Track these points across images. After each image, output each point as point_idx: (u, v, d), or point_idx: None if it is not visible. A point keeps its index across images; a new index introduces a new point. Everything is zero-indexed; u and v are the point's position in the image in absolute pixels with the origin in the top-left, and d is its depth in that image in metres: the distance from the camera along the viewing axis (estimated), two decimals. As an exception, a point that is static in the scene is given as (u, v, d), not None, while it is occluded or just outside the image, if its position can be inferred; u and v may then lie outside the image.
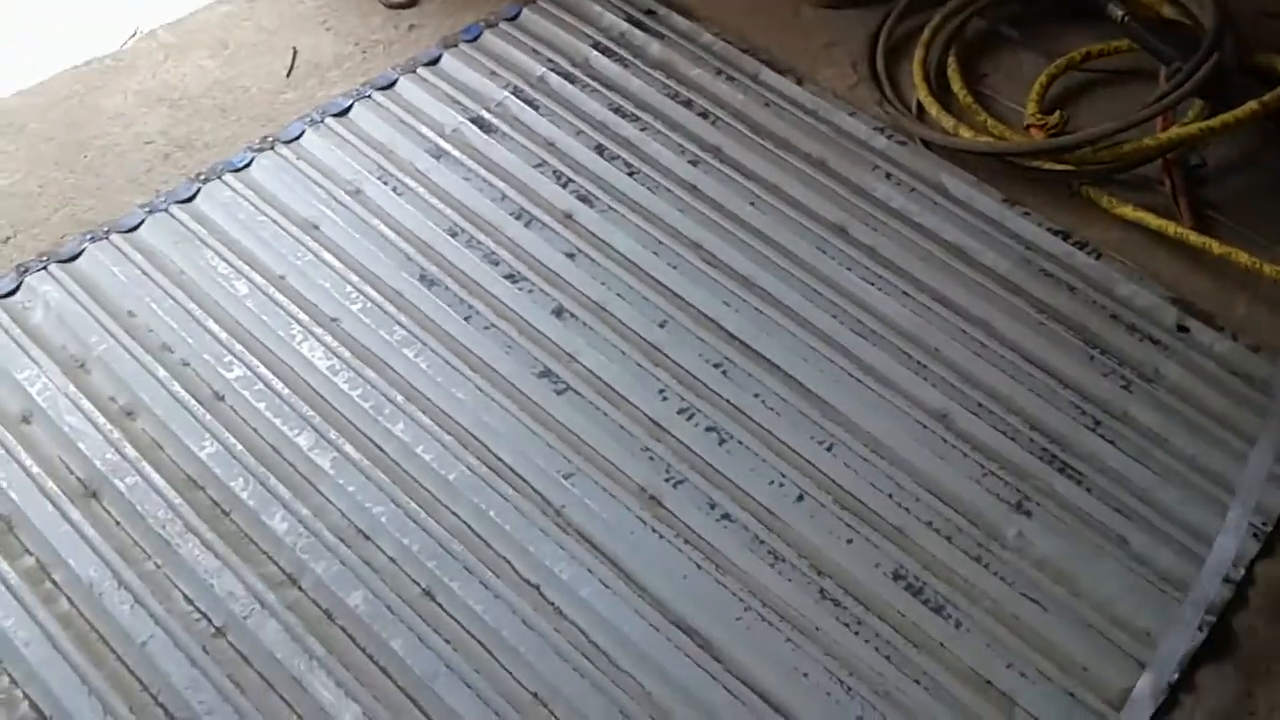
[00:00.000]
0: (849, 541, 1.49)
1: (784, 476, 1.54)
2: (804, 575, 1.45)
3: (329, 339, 1.63)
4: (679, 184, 1.88)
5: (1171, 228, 1.83)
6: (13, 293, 1.65)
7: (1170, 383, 1.68)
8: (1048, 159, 1.90)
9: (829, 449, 1.58)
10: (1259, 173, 1.93)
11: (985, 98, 2.06)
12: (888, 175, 1.93)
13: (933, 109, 2.00)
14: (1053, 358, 1.70)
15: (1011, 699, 1.37)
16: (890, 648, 1.40)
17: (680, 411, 1.60)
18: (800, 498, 1.53)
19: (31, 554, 1.41)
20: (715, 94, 2.03)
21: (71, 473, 1.49)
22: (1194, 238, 1.81)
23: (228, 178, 1.84)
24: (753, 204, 1.87)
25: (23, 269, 1.68)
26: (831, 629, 1.41)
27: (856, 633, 1.41)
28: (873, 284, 1.77)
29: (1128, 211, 1.86)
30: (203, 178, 1.84)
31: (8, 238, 1.75)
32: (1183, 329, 1.75)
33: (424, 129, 1.92)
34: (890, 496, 1.54)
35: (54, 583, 1.39)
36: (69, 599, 1.38)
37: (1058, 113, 1.98)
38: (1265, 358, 1.70)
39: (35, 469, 1.48)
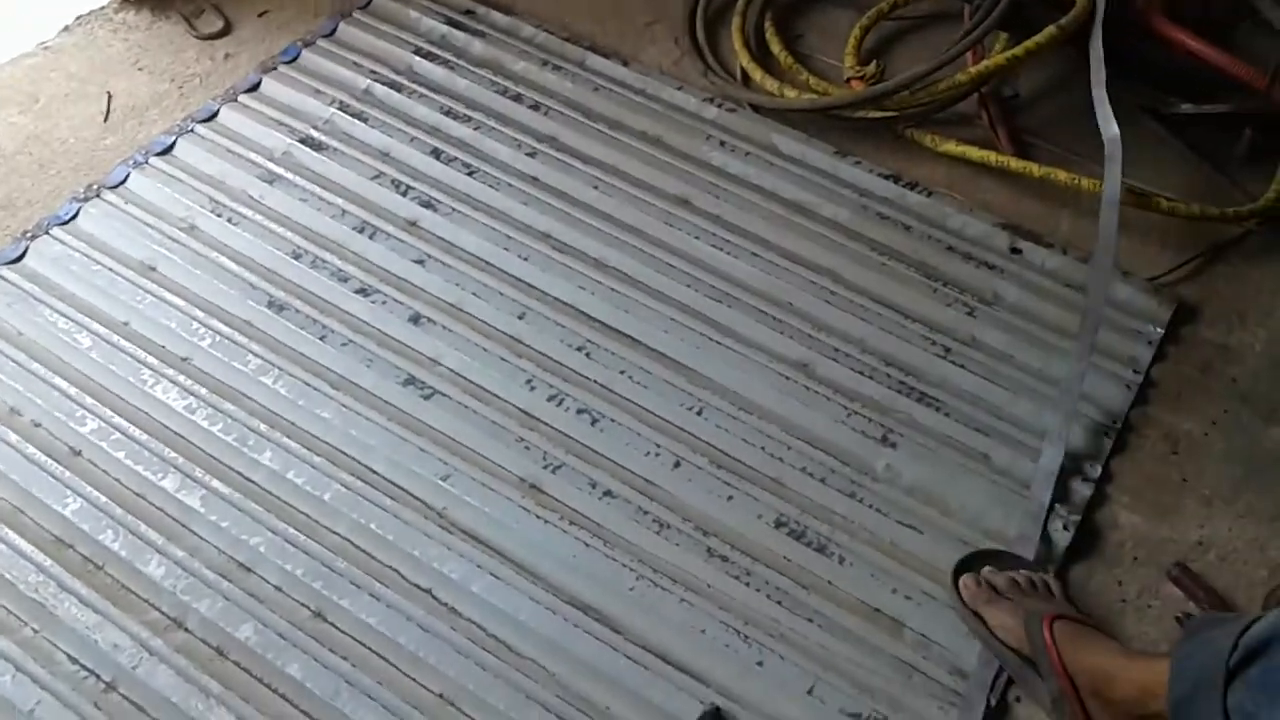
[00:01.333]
0: (729, 499, 1.53)
1: (659, 446, 1.58)
2: (690, 538, 1.49)
3: (182, 379, 1.60)
4: (520, 177, 1.90)
5: (993, 157, 1.92)
6: None
7: (1009, 303, 1.77)
8: (870, 108, 1.97)
9: (699, 413, 1.62)
10: (1068, 95, 2.03)
11: (804, 57, 2.13)
12: (722, 143, 1.98)
13: (756, 74, 2.06)
14: (898, 295, 1.77)
15: (900, 622, 1.43)
16: (781, 593, 1.45)
17: (550, 399, 1.62)
18: (677, 464, 1.56)
19: (-106, 644, 1.35)
20: (544, 85, 2.05)
21: (-73, 554, 1.43)
22: (1015, 164, 1.90)
23: (55, 231, 1.78)
24: (595, 188, 1.89)
25: None
26: (722, 584, 1.45)
27: (747, 584, 1.45)
28: (722, 249, 1.82)
29: (951, 148, 1.95)
30: (29, 235, 1.78)
31: None
32: (1015, 251, 1.84)
33: (252, 155, 1.89)
34: (763, 449, 1.58)
35: (-77, 669, 1.33)
36: (-59, 682, 1.32)
37: (874, 63, 2.06)
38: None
39: (-114, 555, 1.41)
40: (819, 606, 1.44)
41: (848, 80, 2.06)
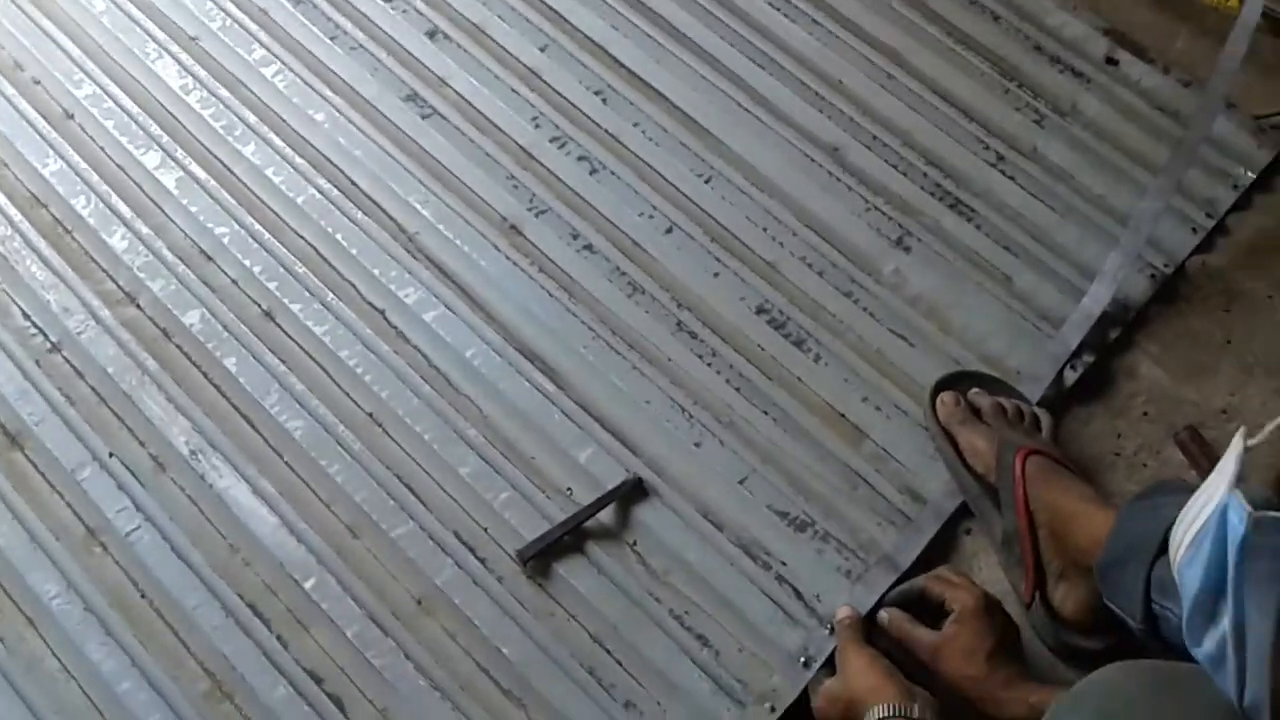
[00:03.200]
0: (715, 275, 1.43)
1: (654, 208, 1.47)
2: (663, 307, 1.40)
3: (185, 57, 1.55)
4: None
5: (1117, -50, 1.66)
6: None
7: (1087, 118, 1.56)
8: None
9: (707, 181, 1.50)
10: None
11: None
12: (809, -107, 1.75)
13: None
14: (963, 90, 1.58)
15: (863, 431, 1.33)
16: (742, 380, 1.36)
17: (553, 140, 1.52)
18: (669, 230, 1.46)
19: None
20: None
21: (-87, 190, 1.45)
22: (1141, -39, 1.64)
23: (91, -110, 1.71)
24: (656, -78, 1.71)
25: None
26: (683, 360, 1.37)
27: (709, 364, 1.37)
28: (778, 9, 1.64)
29: (1072, -67, 1.68)
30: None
31: None
32: (1111, 61, 1.61)
33: None
34: (765, 230, 1.46)
35: (-109, 297, 1.37)
36: (-94, 313, 1.36)
37: None
38: (1196, 93, 1.56)
39: (-125, 185, 1.44)
40: (779, 400, 1.35)
41: None
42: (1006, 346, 1.39)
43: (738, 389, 1.35)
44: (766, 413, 1.34)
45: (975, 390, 1.31)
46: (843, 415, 1.34)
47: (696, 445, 1.31)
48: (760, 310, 1.41)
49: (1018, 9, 1.65)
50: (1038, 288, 1.43)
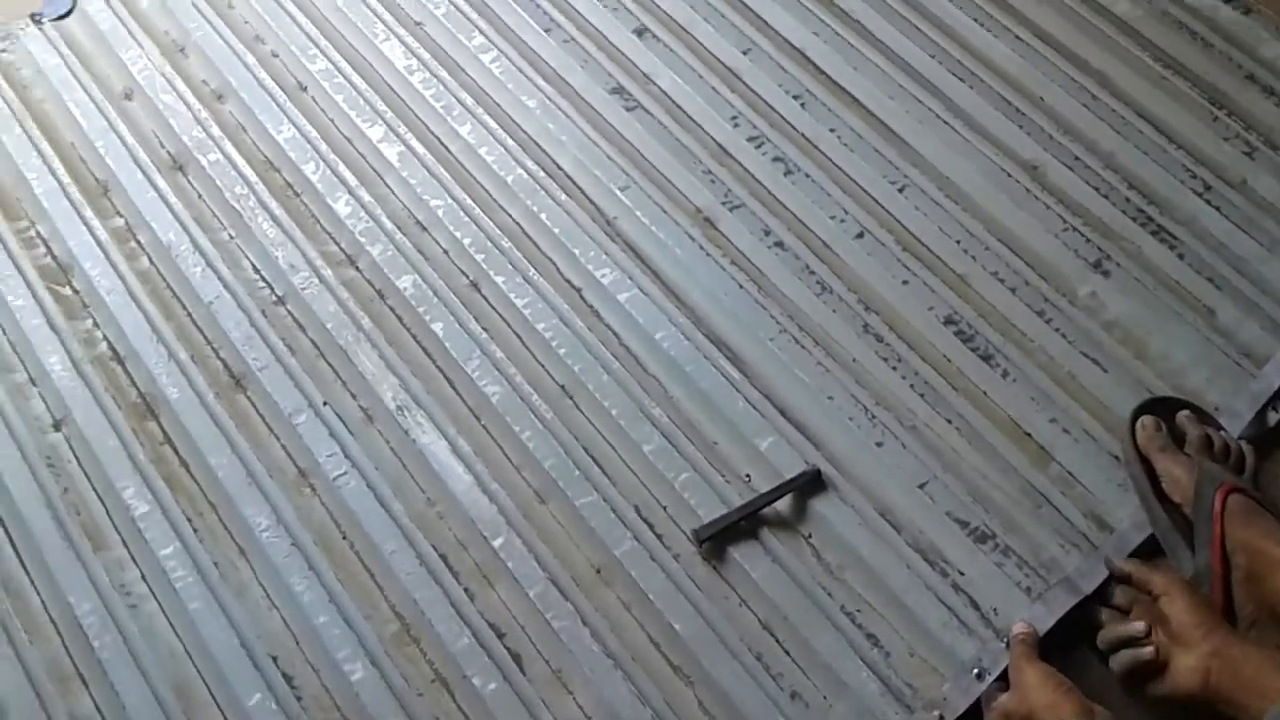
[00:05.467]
0: (904, 282, 1.44)
1: (846, 212, 1.49)
2: (850, 308, 1.42)
3: (410, 40, 1.64)
4: (789, -93, 1.76)
5: (1345, -16, 1.61)
6: (123, -23, 1.72)
7: (1302, 153, 1.51)
8: (1212, -101, 1.67)
9: (900, 190, 1.51)
10: None
11: None
12: (1023, -90, 1.75)
13: None
14: (1171, 115, 1.55)
15: (1049, 452, 1.33)
16: (927, 387, 1.37)
17: (750, 139, 1.55)
18: (860, 234, 1.48)
19: (121, 216, 1.52)
20: None
21: (163, 146, 1.57)
22: (1370, -4, 1.59)
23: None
24: (866, -66, 1.73)
25: (134, -45, 1.74)
26: (869, 361, 1.39)
27: (894, 368, 1.38)
28: (982, 24, 1.64)
29: (1296, -37, 1.64)
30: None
31: (125, -73, 1.80)
32: (1331, 96, 1.56)
33: None
34: (958, 243, 1.47)
35: (138, 242, 1.49)
36: (149, 257, 1.48)
37: None
38: None
39: (131, 140, 1.57)
40: (964, 412, 1.35)
41: None
42: (1205, 381, 1.36)
43: (922, 395, 1.36)
44: (950, 421, 1.34)
45: (1185, 414, 1.28)
46: (1029, 434, 1.34)
47: (878, 445, 1.32)
48: (948, 321, 1.41)
49: (1231, 38, 1.61)
50: (1241, 323, 1.39)
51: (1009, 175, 1.51)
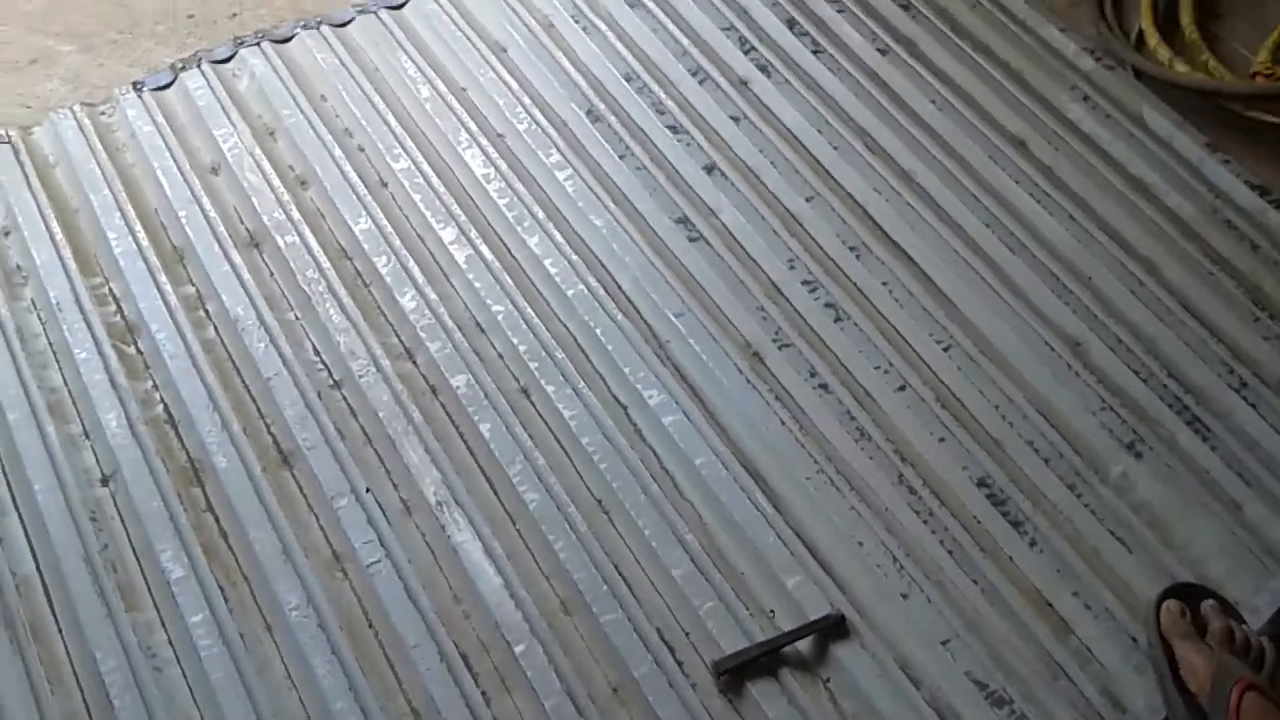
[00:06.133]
0: (941, 440, 1.48)
1: (891, 364, 1.54)
2: (886, 458, 1.45)
3: (491, 150, 1.72)
4: (862, 70, 1.85)
5: (1389, 203, 1.67)
6: (227, 60, 1.81)
7: (1339, 361, 1.56)
8: (1267, 108, 1.76)
9: (945, 349, 1.56)
10: None
11: (1214, 38, 1.92)
12: (1085, 98, 1.83)
13: (1152, 39, 1.89)
14: (1214, 311, 1.60)
15: (1070, 626, 1.34)
16: (955, 544, 1.39)
17: (804, 283, 1.61)
18: (902, 387, 1.52)
19: (193, 284, 1.58)
20: (922, -13, 1.97)
21: (242, 223, 1.64)
22: None
23: (435, -8, 1.94)
24: (933, 102, 1.82)
25: (239, 41, 1.84)
26: (900, 512, 1.41)
27: (925, 522, 1.41)
28: (1039, 202, 1.71)
29: (1343, 178, 1.71)
30: (416, -12, 1.94)
31: (235, 14, 1.92)
32: (1371, 309, 1.61)
33: (625, -24, 1.96)
34: (996, 408, 1.51)
35: (206, 312, 1.55)
36: (215, 328, 1.54)
37: (1291, 64, 1.83)
38: None
39: (212, 213, 1.64)
40: (990, 574, 1.37)
41: (1253, 75, 1.85)
42: (1226, 572, 1.38)
43: (950, 551, 1.38)
44: (976, 582, 1.36)
45: (1210, 603, 1.30)
46: (1051, 605, 1.35)
47: (903, 596, 1.34)
48: (981, 483, 1.44)
49: (1278, 240, 1.67)
50: (1267, 521, 1.41)
51: (1052, 349, 1.56)
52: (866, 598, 1.34)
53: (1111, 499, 1.44)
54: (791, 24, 1.91)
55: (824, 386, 1.51)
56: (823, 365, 1.52)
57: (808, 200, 1.69)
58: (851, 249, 1.65)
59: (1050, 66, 1.88)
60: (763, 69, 1.85)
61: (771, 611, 1.33)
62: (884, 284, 1.61)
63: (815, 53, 1.88)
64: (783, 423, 1.46)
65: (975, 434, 1.48)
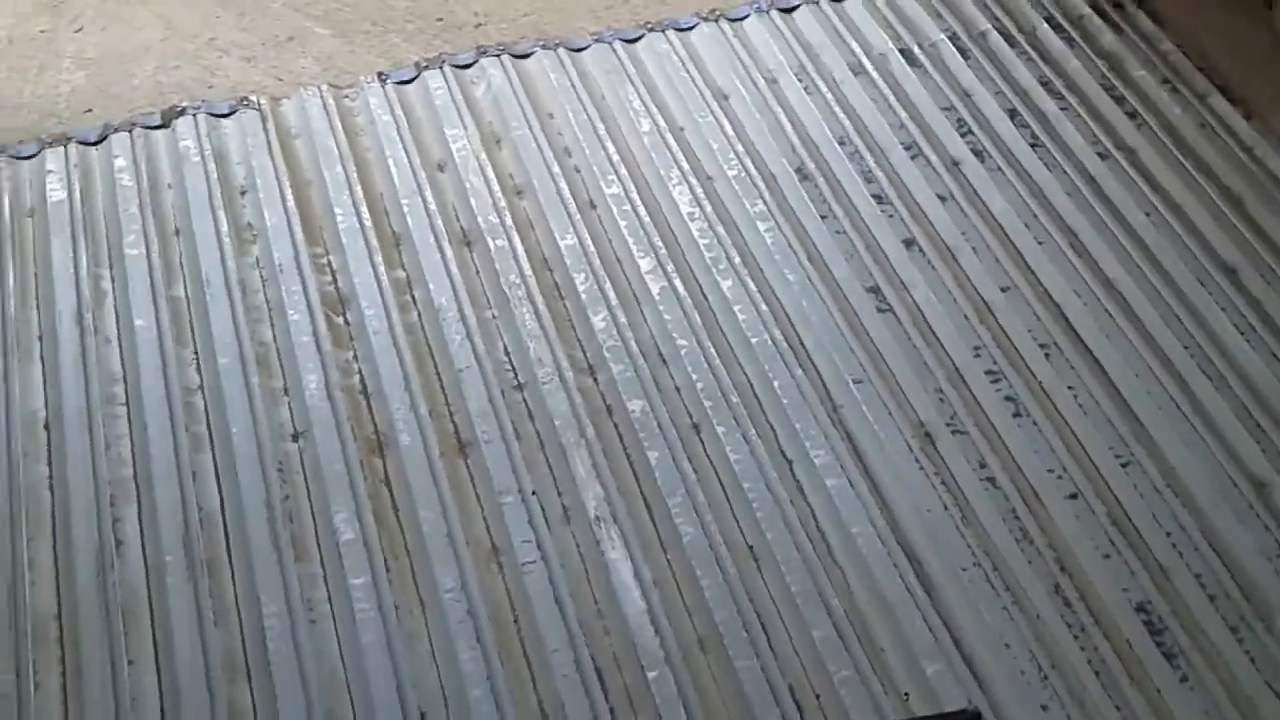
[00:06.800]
0: (1106, 556, 1.45)
1: (1065, 470, 1.51)
2: (1046, 564, 1.43)
3: (699, 190, 1.78)
4: (1078, 171, 1.84)
5: None
6: (468, 66, 1.93)
7: None
8: None
9: (1124, 464, 1.52)
10: None
11: None
12: (1306, 235, 1.78)
13: (1390, 187, 1.81)
14: None
15: (1213, 771, 1.30)
16: (1104, 666, 1.36)
17: (988, 372, 1.60)
18: (1073, 495, 1.49)
19: (404, 270, 1.68)
20: (1152, 99, 1.95)
21: (458, 220, 1.74)
22: None
23: (670, 33, 2.02)
24: (1147, 214, 1.79)
25: (482, 50, 1.95)
26: (1052, 622, 1.39)
27: (1076, 637, 1.38)
28: (1243, 333, 1.66)
29: None
30: (650, 26, 2.03)
31: (479, 24, 2.04)
32: None
33: (853, 44, 2.00)
34: (1168, 535, 1.47)
35: (412, 297, 1.65)
36: (419, 313, 1.63)
37: None
38: None
39: (433, 207, 1.74)
40: (1135, 703, 1.33)
41: None
42: (1389, 749, 1.31)
43: (1097, 672, 1.35)
44: (1119, 709, 1.33)
45: None
46: (1195, 744, 1.31)
47: (1043, 708, 1.31)
48: (1140, 608, 1.40)
49: None
50: None
51: (1235, 485, 1.51)
52: (1006, 701, 1.32)
53: (1275, 650, 1.38)
54: (1013, 114, 1.91)
55: (992, 480, 1.50)
56: (994, 458, 1.51)
57: (1003, 290, 1.69)
58: (1041, 346, 1.63)
59: (1272, 197, 1.83)
60: (977, 153, 1.86)
61: (906, 694, 1.32)
62: (1070, 388, 1.59)
63: (1033, 145, 1.87)
64: (945, 508, 1.46)
65: (1143, 557, 1.45)
